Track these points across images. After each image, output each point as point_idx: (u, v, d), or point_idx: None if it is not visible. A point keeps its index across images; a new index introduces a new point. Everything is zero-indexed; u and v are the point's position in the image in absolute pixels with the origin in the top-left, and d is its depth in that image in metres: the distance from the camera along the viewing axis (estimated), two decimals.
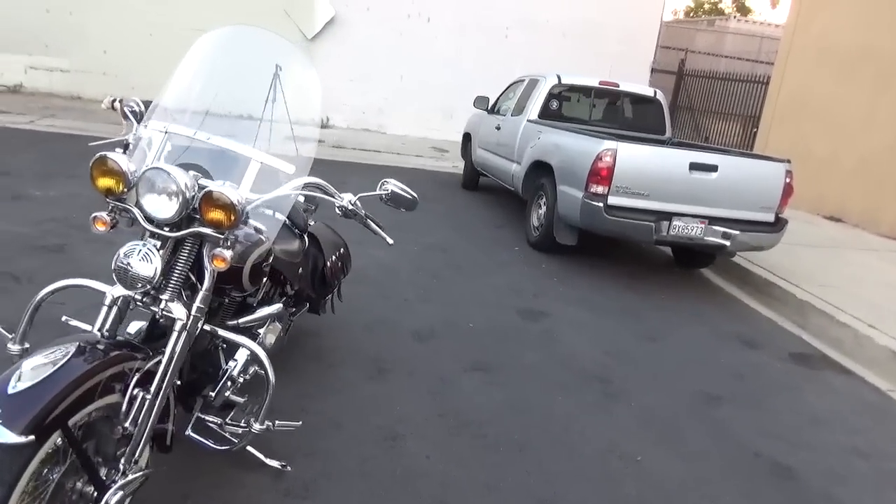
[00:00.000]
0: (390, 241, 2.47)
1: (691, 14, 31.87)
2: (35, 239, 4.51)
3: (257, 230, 2.20)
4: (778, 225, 5.32)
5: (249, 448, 2.36)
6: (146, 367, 1.76)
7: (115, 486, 1.69)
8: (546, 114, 6.82)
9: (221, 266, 1.81)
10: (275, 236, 2.11)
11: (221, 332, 2.11)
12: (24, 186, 5.89)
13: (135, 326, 2.14)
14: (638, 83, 7.35)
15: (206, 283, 1.89)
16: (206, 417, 2.26)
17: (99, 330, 1.82)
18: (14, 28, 11.79)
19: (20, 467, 1.46)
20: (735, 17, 23.40)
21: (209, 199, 1.75)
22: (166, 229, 1.81)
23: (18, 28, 11.81)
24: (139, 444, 1.78)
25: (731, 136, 12.49)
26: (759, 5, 42.14)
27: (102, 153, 1.81)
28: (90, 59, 12.05)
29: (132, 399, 1.74)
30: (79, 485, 1.68)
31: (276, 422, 2.27)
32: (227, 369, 2.28)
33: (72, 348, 1.61)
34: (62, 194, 5.74)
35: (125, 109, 2.18)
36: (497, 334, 3.97)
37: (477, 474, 2.56)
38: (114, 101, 2.26)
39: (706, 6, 32.47)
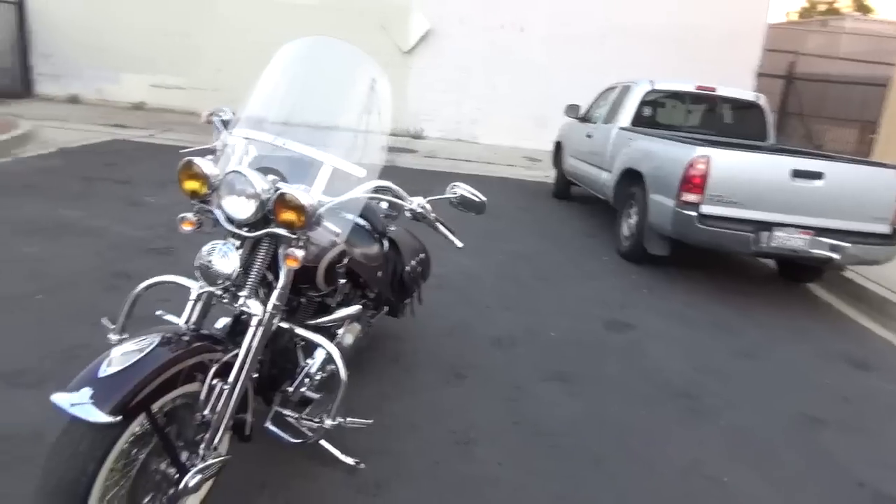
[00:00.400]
0: (459, 244, 2.47)
1: (807, 15, 30.09)
2: (147, 242, 4.86)
3: (332, 232, 2.28)
4: (895, 237, 4.90)
5: (325, 444, 2.43)
6: (224, 359, 1.85)
7: (194, 470, 1.79)
8: (639, 121, 6.63)
9: (294, 265, 1.88)
10: (345, 237, 2.15)
11: (298, 329, 2.19)
12: (141, 194, 6.37)
13: (221, 322, 2.26)
14: (739, 88, 7.00)
15: (282, 282, 1.97)
16: (284, 412, 2.35)
17: (185, 323, 1.94)
18: (139, 51, 12.83)
19: (108, 445, 1.58)
20: (852, 16, 21.84)
21: (282, 201, 1.83)
22: (245, 230, 1.91)
23: (142, 51, 12.84)
24: (217, 432, 1.88)
25: (847, 143, 11.64)
26: (880, 3, 39.09)
27: (189, 158, 1.93)
28: (204, 77, 12.90)
29: (211, 388, 1.84)
30: (162, 466, 1.79)
31: (348, 419, 2.32)
32: (304, 366, 2.37)
33: (157, 338, 1.72)
34: (173, 201, 6.16)
35: (214, 119, 2.32)
36: (579, 345, 3.88)
37: (549, 484, 2.50)
38: (210, 114, 2.41)
39: (820, 7, 30.54)
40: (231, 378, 1.87)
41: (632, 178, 5.83)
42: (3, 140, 8.05)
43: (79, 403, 1.52)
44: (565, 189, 8.49)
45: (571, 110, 7.91)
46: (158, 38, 12.81)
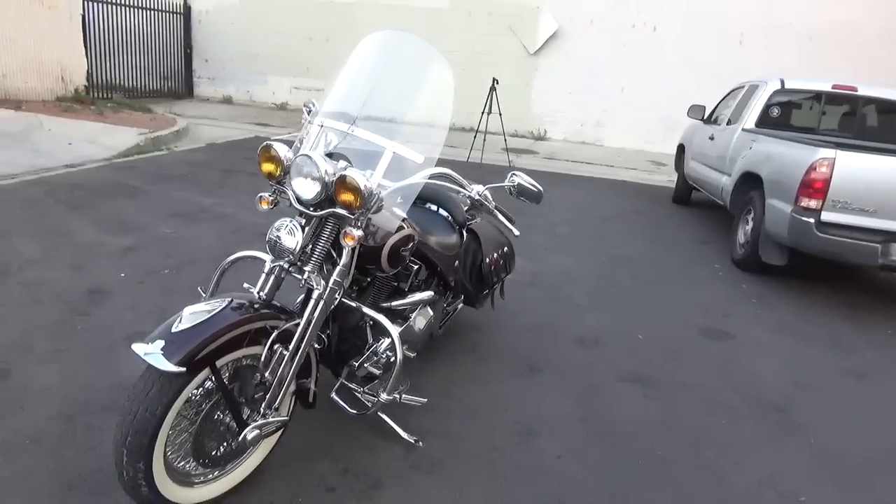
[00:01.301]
0: (517, 232, 2.53)
1: None
2: (263, 227, 5.26)
3: (397, 216, 2.41)
4: None
5: (388, 420, 2.57)
6: (285, 327, 2.03)
7: (252, 425, 1.98)
8: (766, 122, 6.23)
9: (351, 243, 2.03)
10: (398, 221, 2.25)
11: (364, 308, 2.34)
12: (266, 184, 6.90)
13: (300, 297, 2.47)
14: (888, 88, 6.35)
15: (344, 260, 2.13)
16: (350, 384, 2.52)
17: (258, 292, 2.15)
18: (283, 55, 13.84)
19: (175, 392, 1.80)
20: None
21: (342, 182, 1.98)
22: (311, 209, 2.08)
23: (287, 55, 13.84)
24: (277, 394, 2.07)
25: None
26: None
27: (268, 142, 2.14)
28: None
29: (272, 353, 2.03)
30: (225, 418, 2.00)
31: (404, 395, 2.44)
32: (371, 344, 2.52)
33: (225, 303, 1.93)
34: None
35: (304, 110, 2.53)
36: (668, 349, 3.76)
37: (605, 482, 2.48)
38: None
39: None
40: (292, 345, 2.04)
41: (751, 182, 5.51)
42: (163, 135, 9.07)
43: (151, 353, 1.75)
44: (686, 194, 8.14)
45: (695, 111, 7.57)
46: (302, 44, 13.75)
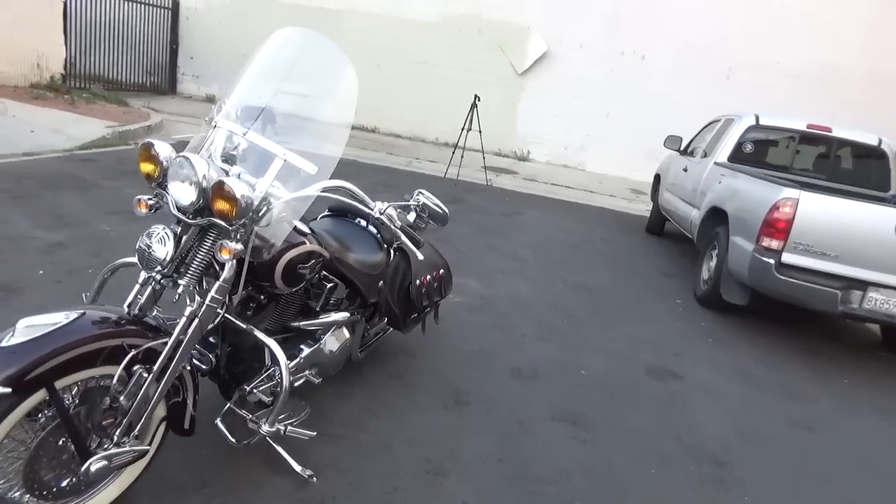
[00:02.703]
0: (420, 256, 2.33)
1: None
2: None
3: (300, 232, 2.21)
4: None
5: (282, 451, 2.36)
6: (147, 345, 1.82)
7: (99, 455, 1.76)
8: (738, 157, 6.10)
9: (226, 256, 1.83)
10: (282, 238, 2.05)
11: (253, 329, 2.13)
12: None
13: None
14: (862, 131, 6.23)
15: (224, 274, 1.91)
16: (241, 411, 2.30)
17: (128, 306, 1.93)
18: None
19: (0, 415, 1.58)
20: None
21: (218, 189, 1.78)
22: (189, 216, 1.88)
23: None
24: (137, 420, 1.85)
25: None
26: None
27: (148, 140, 1.94)
28: None
29: (130, 374, 1.81)
30: (69, 446, 1.77)
31: (289, 427, 2.23)
32: (269, 367, 2.31)
33: (74, 315, 1.72)
34: None
35: (213, 108, 2.33)
36: (610, 388, 3.56)
37: None
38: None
39: None
40: (156, 367, 1.83)
41: (717, 218, 5.36)
42: (132, 129, 8.85)
43: None
44: (659, 224, 8.00)
45: (672, 142, 7.45)
46: None
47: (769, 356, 4.46)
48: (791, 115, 6.85)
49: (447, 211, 2.30)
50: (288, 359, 2.43)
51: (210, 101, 14.05)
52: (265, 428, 2.13)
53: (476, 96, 9.62)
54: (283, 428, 2.19)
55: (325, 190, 2.03)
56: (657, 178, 8.29)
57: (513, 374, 3.52)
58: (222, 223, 1.83)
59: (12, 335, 1.62)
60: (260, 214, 1.89)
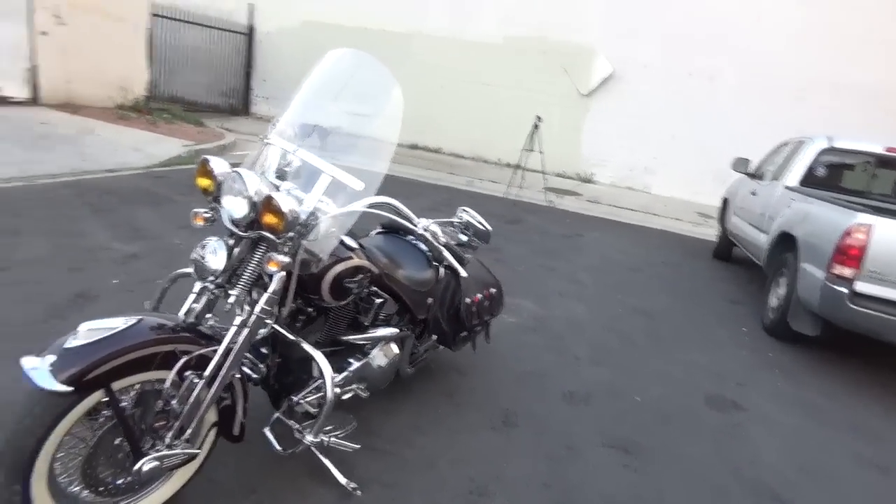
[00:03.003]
0: (464, 273, 2.34)
1: None
2: None
3: (348, 247, 2.26)
4: None
5: (327, 462, 2.40)
6: (199, 352, 1.89)
7: (150, 456, 1.83)
8: (810, 181, 5.86)
9: (273, 269, 1.89)
10: (329, 252, 2.10)
11: (300, 341, 2.18)
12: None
13: None
14: None
15: (273, 286, 1.98)
16: (289, 420, 2.35)
17: (185, 314, 2.02)
18: None
19: (60, 413, 1.67)
20: None
21: (268, 204, 1.85)
22: (241, 230, 1.96)
23: None
24: (188, 424, 1.92)
25: None
26: None
27: (205, 157, 2.04)
28: None
29: (182, 379, 1.89)
30: (124, 445, 1.86)
31: (333, 438, 2.26)
32: (317, 379, 2.36)
33: (132, 321, 1.81)
34: None
35: (269, 127, 2.43)
36: (665, 415, 3.46)
37: None
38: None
39: None
40: (207, 373, 1.90)
41: (787, 243, 5.15)
42: (206, 148, 9.26)
43: (37, 368, 1.63)
44: (726, 249, 7.74)
45: (740, 164, 7.23)
46: None
47: (840, 390, 4.23)
48: (867, 137, 6.54)
49: (490, 228, 2.32)
50: (336, 372, 2.49)
51: None
52: (309, 438, 2.17)
53: (538, 117, 9.63)
54: (327, 439, 2.23)
55: (370, 206, 2.07)
56: (725, 201, 8.05)
57: (565, 397, 3.47)
58: (271, 236, 1.89)
59: (75, 337, 1.72)
60: (308, 229, 1.94)
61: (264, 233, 1.90)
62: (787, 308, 4.80)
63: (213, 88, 13.90)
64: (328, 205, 2.04)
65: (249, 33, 14.44)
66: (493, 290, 3.28)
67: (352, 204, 2.03)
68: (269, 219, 1.85)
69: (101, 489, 1.86)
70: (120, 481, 1.87)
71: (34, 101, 9.83)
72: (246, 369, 2.27)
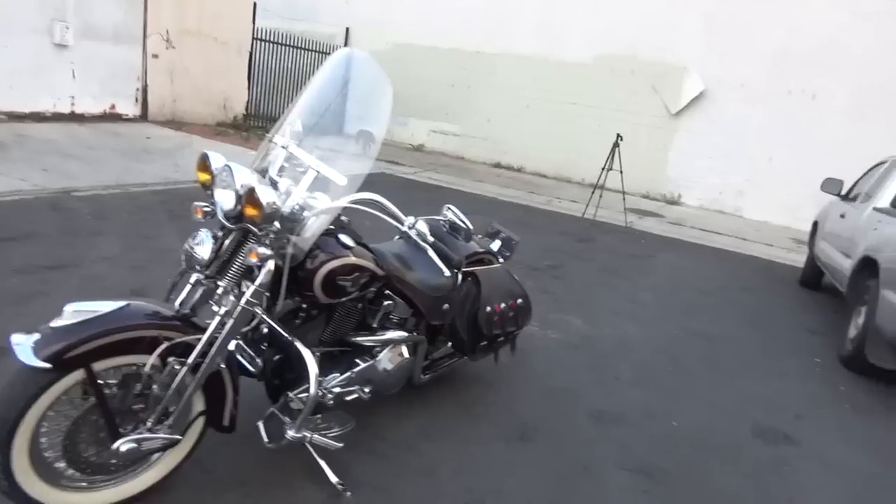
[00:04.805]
0: (447, 273, 2.30)
1: None
2: None
3: (345, 245, 2.28)
4: None
5: (319, 460, 2.40)
6: (181, 339, 1.96)
7: (126, 438, 1.91)
8: None
9: (253, 259, 1.94)
10: (308, 246, 2.12)
11: (288, 336, 2.21)
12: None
13: None
14: None
15: (259, 279, 2.03)
16: (284, 416, 2.38)
17: (181, 303, 2.11)
18: (425, 99, 14.35)
19: (40, 389, 1.77)
20: None
21: (249, 196, 1.90)
22: (230, 222, 2.02)
23: (429, 99, 14.33)
24: (170, 410, 1.99)
25: None
26: None
27: (205, 151, 2.13)
28: (477, 126, 13.92)
29: (164, 365, 1.96)
30: (101, 425, 1.93)
31: (316, 436, 2.26)
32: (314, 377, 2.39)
33: (119, 305, 1.90)
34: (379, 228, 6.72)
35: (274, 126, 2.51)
36: (702, 443, 3.22)
37: None
38: None
39: None
40: (189, 360, 1.96)
41: (870, 269, 4.71)
42: None
43: (21, 345, 1.75)
44: (815, 277, 7.18)
45: (831, 185, 6.72)
46: (445, 90, 14.21)
47: None
48: None
49: (471, 227, 2.28)
50: (340, 372, 2.52)
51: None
52: (290, 433, 2.19)
53: (618, 135, 9.37)
54: (310, 435, 2.24)
55: (354, 202, 2.09)
56: (815, 225, 7.49)
57: (592, 416, 3.32)
58: (253, 228, 1.94)
59: (60, 318, 1.83)
60: (295, 223, 1.98)
61: (248, 225, 1.95)
62: (865, 338, 4.37)
63: None
64: (319, 200, 2.08)
65: None
66: (519, 301, 3.19)
67: (337, 200, 2.06)
68: (249, 210, 1.91)
69: (83, 467, 1.95)
70: (99, 460, 1.96)
71: (144, 117, 10.67)
72: (244, 362, 2.32)
